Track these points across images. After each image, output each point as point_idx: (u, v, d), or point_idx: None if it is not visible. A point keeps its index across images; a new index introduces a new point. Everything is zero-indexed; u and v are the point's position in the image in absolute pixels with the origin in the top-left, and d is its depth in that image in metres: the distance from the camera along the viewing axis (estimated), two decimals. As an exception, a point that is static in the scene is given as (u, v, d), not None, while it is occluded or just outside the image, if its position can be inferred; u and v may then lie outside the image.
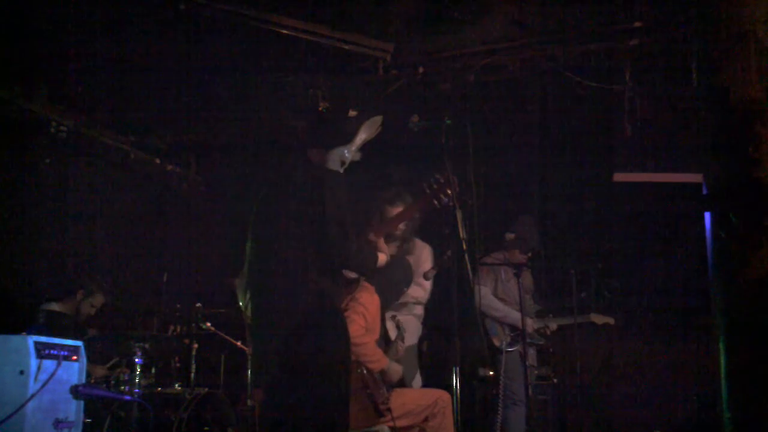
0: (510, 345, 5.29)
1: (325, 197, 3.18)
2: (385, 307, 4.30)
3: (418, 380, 4.77)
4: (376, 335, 4.15)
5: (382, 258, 3.60)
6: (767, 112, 2.58)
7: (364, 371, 3.81)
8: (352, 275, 3.86)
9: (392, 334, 4.48)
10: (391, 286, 4.34)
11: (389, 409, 3.81)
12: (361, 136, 3.48)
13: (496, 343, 5.28)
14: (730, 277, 2.59)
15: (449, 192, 3.50)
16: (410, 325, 4.81)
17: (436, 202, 3.62)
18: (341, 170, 3.41)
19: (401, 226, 4.33)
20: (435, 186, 3.63)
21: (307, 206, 3.21)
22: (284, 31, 4.88)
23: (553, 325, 5.41)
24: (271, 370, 3.13)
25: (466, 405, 5.09)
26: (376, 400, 3.79)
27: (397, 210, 4.33)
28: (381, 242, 3.72)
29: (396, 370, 4.20)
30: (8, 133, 5.60)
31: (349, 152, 3.44)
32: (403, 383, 4.44)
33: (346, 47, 5.07)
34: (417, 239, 4.84)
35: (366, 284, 4.09)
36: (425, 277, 4.78)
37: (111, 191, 6.63)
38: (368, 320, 3.97)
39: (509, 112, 5.96)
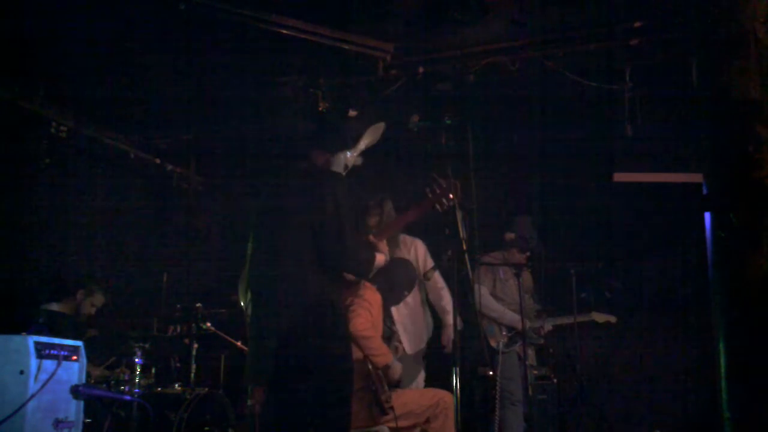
0: (507, 345, 5.29)
1: (327, 199, 3.18)
2: (385, 308, 4.31)
3: (419, 382, 4.78)
4: (380, 332, 4.17)
5: (381, 258, 3.60)
6: (767, 112, 2.58)
7: (370, 368, 3.83)
8: (352, 277, 3.87)
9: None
10: (393, 289, 4.35)
11: (392, 408, 3.81)
12: (365, 141, 3.50)
13: (493, 343, 5.28)
14: (730, 277, 2.59)
15: (451, 196, 3.51)
16: (418, 328, 4.82)
17: (437, 206, 3.62)
18: (344, 173, 3.42)
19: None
20: (437, 190, 3.64)
21: (308, 207, 3.22)
22: (284, 31, 4.88)
23: (548, 326, 5.42)
24: (271, 370, 3.14)
25: (466, 405, 5.09)
26: (380, 397, 3.79)
27: (376, 219, 4.38)
28: (382, 244, 3.73)
29: (399, 368, 4.21)
30: (8, 133, 5.61)
31: (353, 157, 3.45)
32: (402, 384, 4.45)
33: (346, 47, 5.07)
34: (405, 235, 4.85)
35: (367, 284, 4.10)
36: (425, 277, 4.80)
37: (111, 191, 6.63)
38: (373, 315, 3.99)
39: (509, 112, 5.95)
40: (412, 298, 4.74)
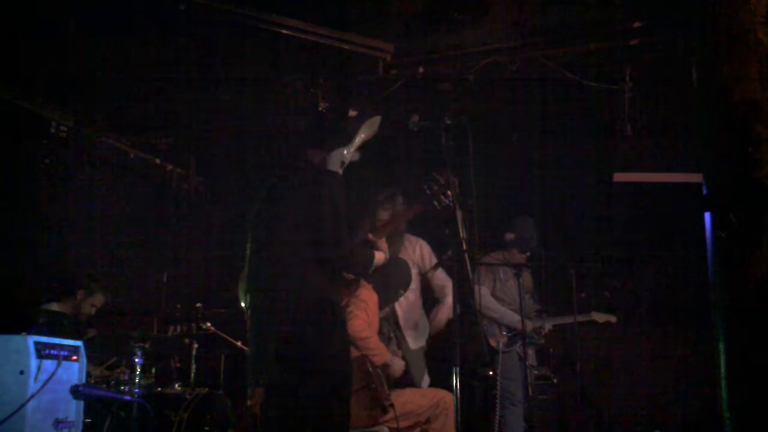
0: (506, 345, 5.30)
1: (324, 199, 3.18)
2: (381, 307, 4.32)
3: (426, 381, 4.80)
4: (376, 330, 4.18)
5: (381, 257, 3.61)
6: (767, 112, 2.57)
7: (369, 367, 3.84)
8: (351, 276, 3.87)
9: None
10: (389, 288, 4.35)
11: (392, 405, 3.81)
12: (360, 136, 3.50)
13: (493, 343, 5.29)
14: (730, 277, 2.59)
15: (449, 193, 3.51)
16: (418, 324, 4.84)
17: (436, 203, 3.63)
18: (341, 171, 3.42)
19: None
20: (435, 187, 3.64)
21: (306, 207, 3.22)
22: (284, 31, 4.87)
23: (548, 326, 5.42)
24: (271, 370, 3.14)
25: (466, 405, 5.09)
26: (380, 395, 3.80)
27: (388, 213, 4.39)
28: (382, 242, 3.73)
29: (399, 365, 4.22)
30: (8, 133, 5.60)
31: (349, 153, 3.44)
32: (411, 383, 4.47)
33: (346, 47, 5.07)
34: (409, 235, 4.87)
35: (364, 282, 4.11)
36: (427, 277, 4.81)
37: (111, 191, 6.63)
38: (369, 315, 4.01)
39: (509, 112, 5.95)
40: (412, 294, 4.76)
